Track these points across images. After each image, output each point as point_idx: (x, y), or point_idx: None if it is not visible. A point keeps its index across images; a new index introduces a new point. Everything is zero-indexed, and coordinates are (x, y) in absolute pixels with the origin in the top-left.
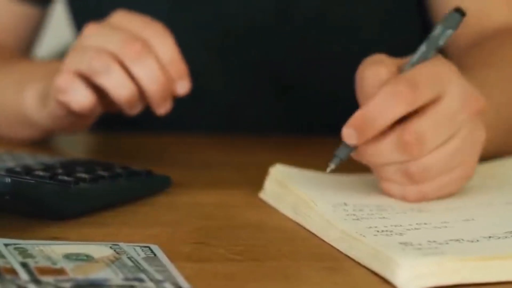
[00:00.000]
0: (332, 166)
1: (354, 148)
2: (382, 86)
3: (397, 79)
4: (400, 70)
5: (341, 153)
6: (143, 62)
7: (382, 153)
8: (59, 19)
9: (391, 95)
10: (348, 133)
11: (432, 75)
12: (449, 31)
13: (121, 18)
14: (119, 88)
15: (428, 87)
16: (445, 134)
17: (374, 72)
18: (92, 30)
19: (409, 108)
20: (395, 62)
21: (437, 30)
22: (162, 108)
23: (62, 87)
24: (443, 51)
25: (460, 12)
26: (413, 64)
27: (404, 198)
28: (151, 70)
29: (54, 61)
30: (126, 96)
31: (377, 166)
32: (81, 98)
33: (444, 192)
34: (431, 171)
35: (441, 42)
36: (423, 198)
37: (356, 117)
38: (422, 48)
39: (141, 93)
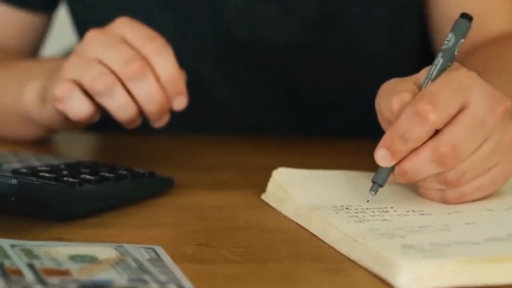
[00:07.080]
0: (372, 193)
1: (390, 171)
2: (406, 108)
3: (417, 98)
4: (420, 87)
5: (379, 178)
6: (142, 82)
7: (420, 168)
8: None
9: (413, 115)
10: (381, 155)
11: (452, 86)
12: (462, 40)
13: (123, 27)
14: (121, 110)
15: (449, 99)
16: (478, 140)
17: (399, 101)
18: (93, 37)
19: (434, 125)
20: (412, 81)
21: (451, 41)
22: (159, 123)
23: (60, 96)
24: None
25: (467, 17)
26: (433, 79)
27: (443, 201)
28: (150, 90)
29: (53, 59)
30: (127, 117)
31: (415, 182)
32: (79, 108)
33: (484, 192)
34: (468, 175)
35: (456, 52)
36: (463, 199)
37: (386, 138)
38: (439, 61)
39: (140, 110)
